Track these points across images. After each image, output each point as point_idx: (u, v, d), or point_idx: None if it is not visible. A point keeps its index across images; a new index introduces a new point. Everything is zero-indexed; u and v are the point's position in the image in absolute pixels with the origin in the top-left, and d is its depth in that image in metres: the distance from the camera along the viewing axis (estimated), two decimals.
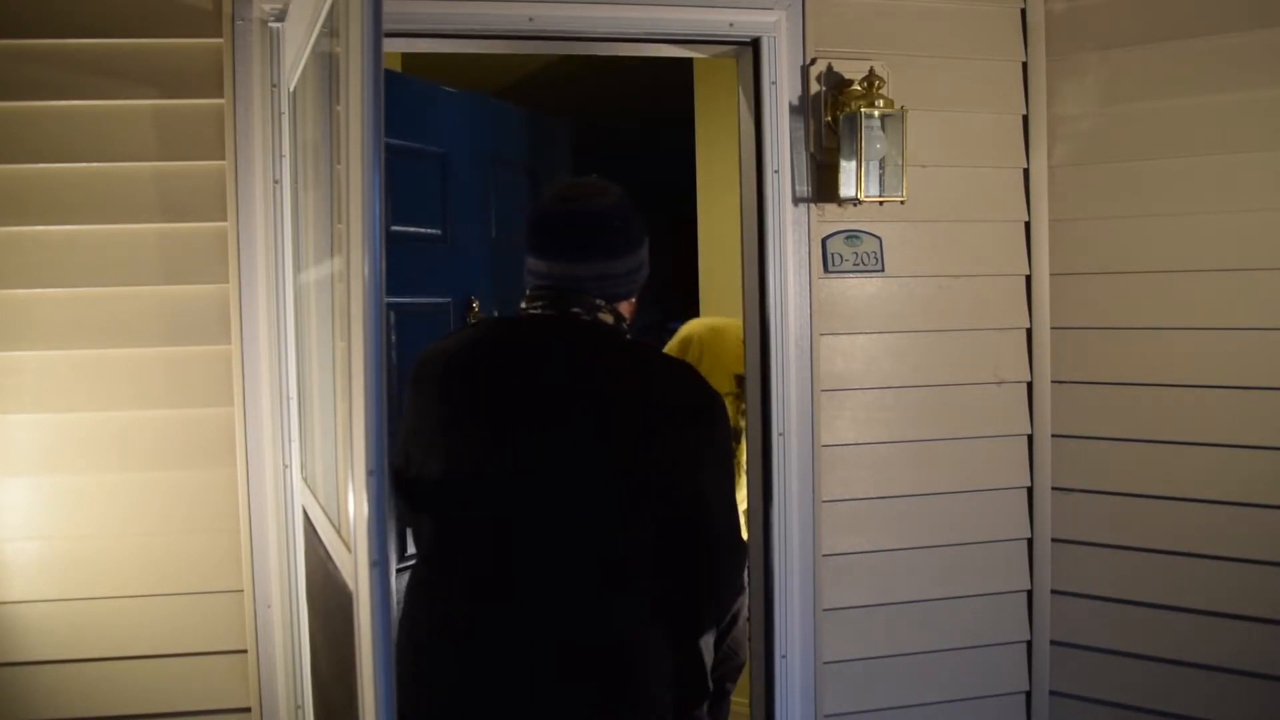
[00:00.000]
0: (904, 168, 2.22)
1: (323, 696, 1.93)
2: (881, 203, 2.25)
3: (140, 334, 2.10)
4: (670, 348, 3.08)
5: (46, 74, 2.05)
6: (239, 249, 2.10)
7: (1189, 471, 2.28)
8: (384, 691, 1.22)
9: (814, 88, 2.30)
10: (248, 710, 2.11)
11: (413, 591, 1.57)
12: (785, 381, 2.29)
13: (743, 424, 2.47)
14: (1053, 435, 2.41)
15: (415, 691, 1.48)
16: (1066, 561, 2.41)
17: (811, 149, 2.30)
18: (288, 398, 2.12)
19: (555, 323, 1.56)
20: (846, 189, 2.21)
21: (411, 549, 1.97)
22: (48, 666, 2.06)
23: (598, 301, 1.56)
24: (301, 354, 2.08)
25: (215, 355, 2.11)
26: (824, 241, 2.32)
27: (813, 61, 2.30)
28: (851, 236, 2.33)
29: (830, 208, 2.31)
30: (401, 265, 2.85)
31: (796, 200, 2.30)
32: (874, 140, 2.19)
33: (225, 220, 2.10)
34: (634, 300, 1.65)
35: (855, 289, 2.35)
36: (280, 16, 2.09)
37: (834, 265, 2.32)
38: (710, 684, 2.52)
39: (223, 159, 2.10)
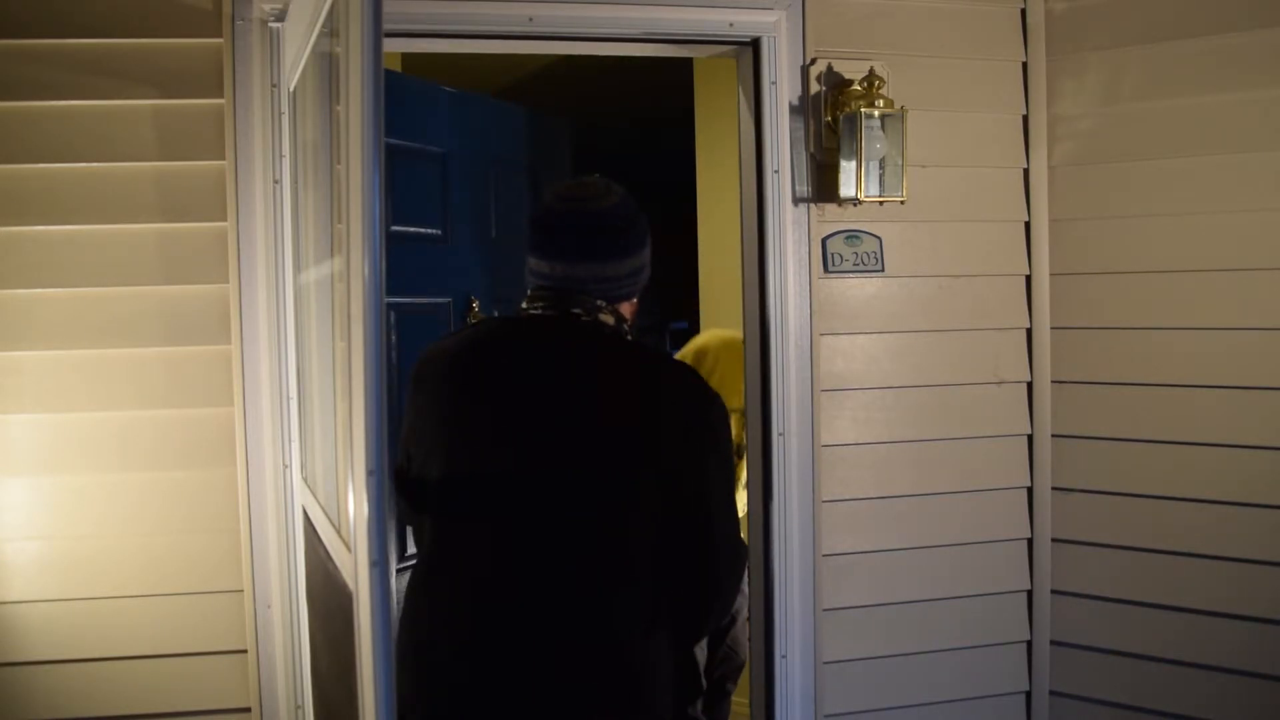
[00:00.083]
0: (904, 168, 2.22)
1: (323, 696, 1.93)
2: (881, 203, 2.25)
3: (140, 334, 2.10)
4: (683, 356, 3.08)
5: (46, 74, 2.05)
6: (239, 249, 2.10)
7: (1189, 471, 2.28)
8: (384, 691, 1.22)
9: (814, 88, 2.30)
10: (248, 710, 2.11)
11: (413, 591, 1.57)
12: (785, 381, 2.29)
13: (744, 440, 2.47)
14: (1053, 435, 2.41)
15: (415, 692, 1.48)
16: (1066, 561, 2.41)
17: (811, 149, 2.30)
18: (288, 398, 2.12)
19: (555, 323, 1.56)
20: (846, 189, 2.21)
21: (412, 549, 1.98)
22: (48, 666, 2.06)
23: (599, 302, 1.56)
24: (301, 354, 2.08)
25: (215, 355, 2.11)
26: (824, 241, 2.32)
27: (813, 61, 2.30)
28: (851, 236, 2.33)
29: (830, 208, 2.31)
30: (401, 265, 2.85)
31: (796, 200, 2.30)
32: (874, 140, 2.19)
33: (225, 220, 2.10)
34: (635, 301, 1.64)
35: (855, 289, 2.35)
36: (280, 16, 2.09)
37: (834, 265, 2.32)
38: (704, 682, 2.52)
39: (223, 159, 2.10)
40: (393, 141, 2.83)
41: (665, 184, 4.95)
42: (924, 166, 2.34)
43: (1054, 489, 2.41)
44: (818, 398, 2.30)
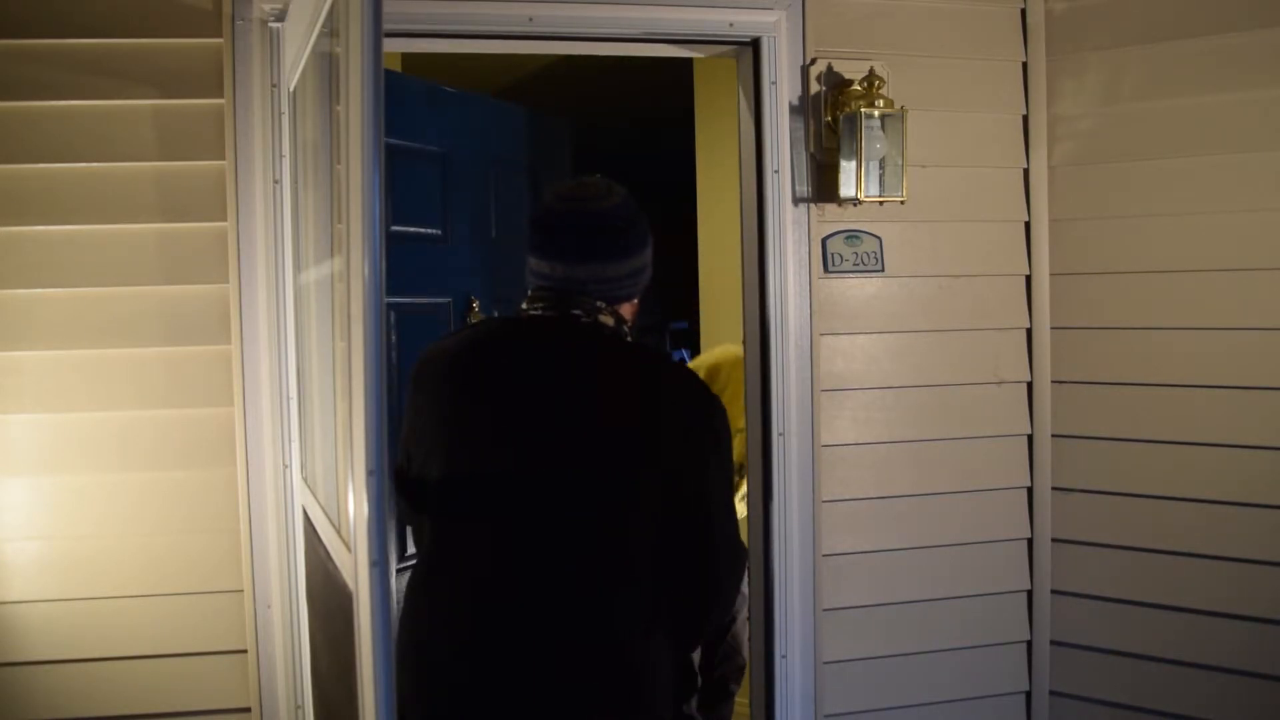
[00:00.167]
0: (904, 168, 2.22)
1: (323, 696, 1.93)
2: (881, 203, 2.25)
3: (140, 334, 2.10)
4: (696, 369, 3.08)
5: (46, 74, 2.05)
6: (239, 249, 2.10)
7: (1189, 471, 2.28)
8: (384, 691, 1.22)
9: (814, 88, 2.30)
10: (248, 710, 2.11)
11: (413, 591, 1.57)
12: (785, 381, 2.29)
13: (745, 458, 2.47)
14: (1053, 435, 2.41)
15: (415, 691, 1.48)
16: (1066, 561, 2.41)
17: (811, 149, 2.30)
18: (288, 398, 2.12)
19: (555, 324, 1.56)
20: (846, 189, 2.21)
21: (412, 549, 1.98)
22: (48, 666, 2.06)
23: (598, 304, 1.56)
24: (301, 354, 2.08)
25: (215, 355, 2.11)
26: (824, 241, 2.32)
27: (813, 61, 2.30)
28: (851, 236, 2.33)
29: (830, 208, 2.31)
30: (401, 265, 2.85)
31: (796, 200, 2.30)
32: (874, 140, 2.19)
33: (225, 220, 2.10)
34: (636, 302, 1.64)
35: (855, 289, 2.35)
36: (280, 16, 2.09)
37: (834, 265, 2.32)
38: (699, 679, 2.52)
39: (223, 159, 2.10)
40: (393, 141, 2.83)
41: (665, 184, 4.95)
42: (924, 166, 2.33)
43: (1054, 489, 2.41)
44: (818, 398, 2.30)
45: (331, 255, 1.63)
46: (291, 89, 2.07)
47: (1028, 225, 2.43)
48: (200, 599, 2.10)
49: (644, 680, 1.49)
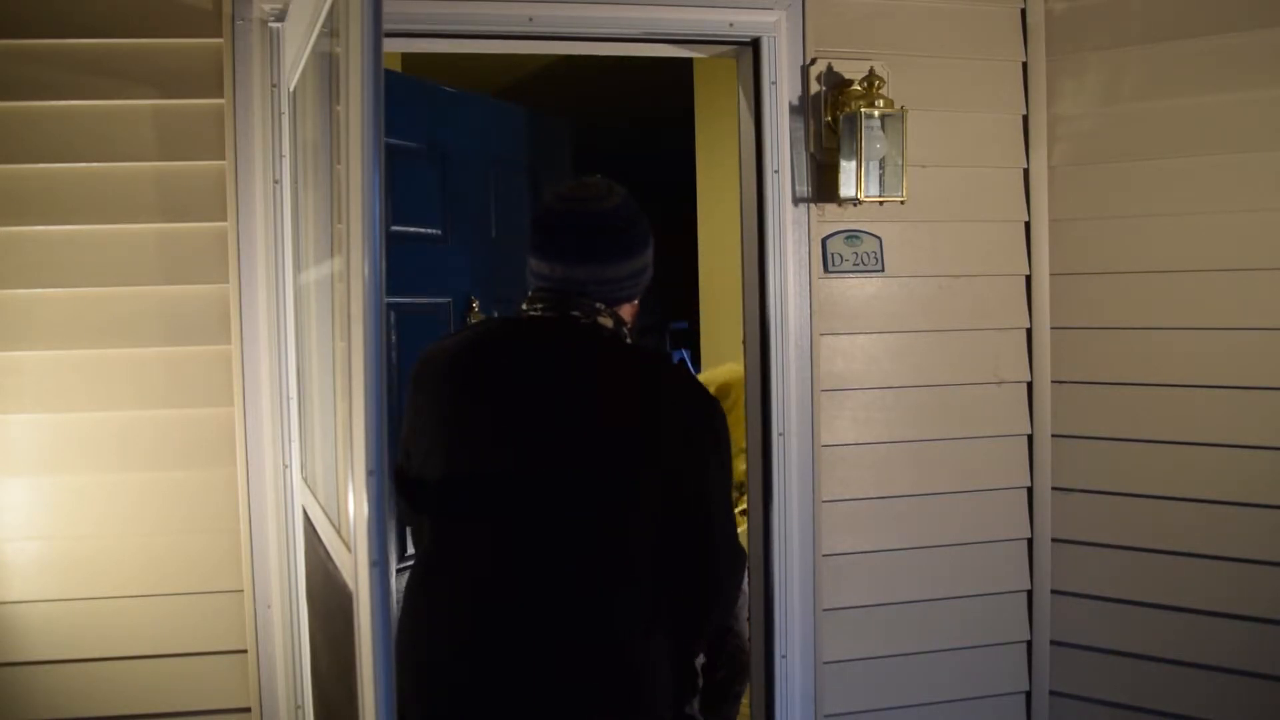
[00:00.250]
0: (904, 168, 2.22)
1: (323, 696, 1.93)
2: (881, 203, 2.25)
3: (140, 334, 2.10)
4: (706, 384, 3.08)
5: (46, 74, 2.05)
6: (239, 249, 2.10)
7: (1189, 471, 2.28)
8: (384, 691, 1.22)
9: (814, 88, 2.30)
10: (248, 710, 2.11)
11: (413, 591, 1.57)
12: (785, 381, 2.29)
13: (743, 469, 2.48)
14: (1053, 435, 2.41)
15: (415, 691, 1.48)
16: (1066, 561, 2.41)
17: (811, 149, 2.30)
18: (288, 398, 2.12)
19: (554, 325, 1.56)
20: (846, 189, 2.21)
21: (412, 549, 1.98)
22: (48, 666, 2.06)
23: (598, 305, 1.56)
24: (301, 354, 2.08)
25: (215, 355, 2.11)
26: (824, 241, 2.32)
27: (813, 61, 2.30)
28: (851, 236, 2.33)
29: (830, 208, 2.31)
30: (401, 265, 2.85)
31: (796, 200, 2.30)
32: (874, 140, 2.19)
33: (225, 220, 2.10)
34: (636, 302, 1.64)
35: (855, 289, 2.35)
36: (280, 16, 2.09)
37: (834, 265, 2.32)
38: (700, 680, 2.52)
39: (223, 159, 2.10)
40: (393, 141, 2.83)
41: (665, 184, 4.95)
42: (924, 166, 2.34)
43: (1054, 489, 2.41)
44: (818, 398, 2.30)
45: (331, 255, 1.63)
46: (291, 89, 2.07)
47: (1028, 225, 2.43)
48: (200, 599, 2.10)
49: (644, 680, 1.49)
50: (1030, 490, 2.43)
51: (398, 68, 3.19)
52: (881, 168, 2.22)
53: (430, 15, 2.17)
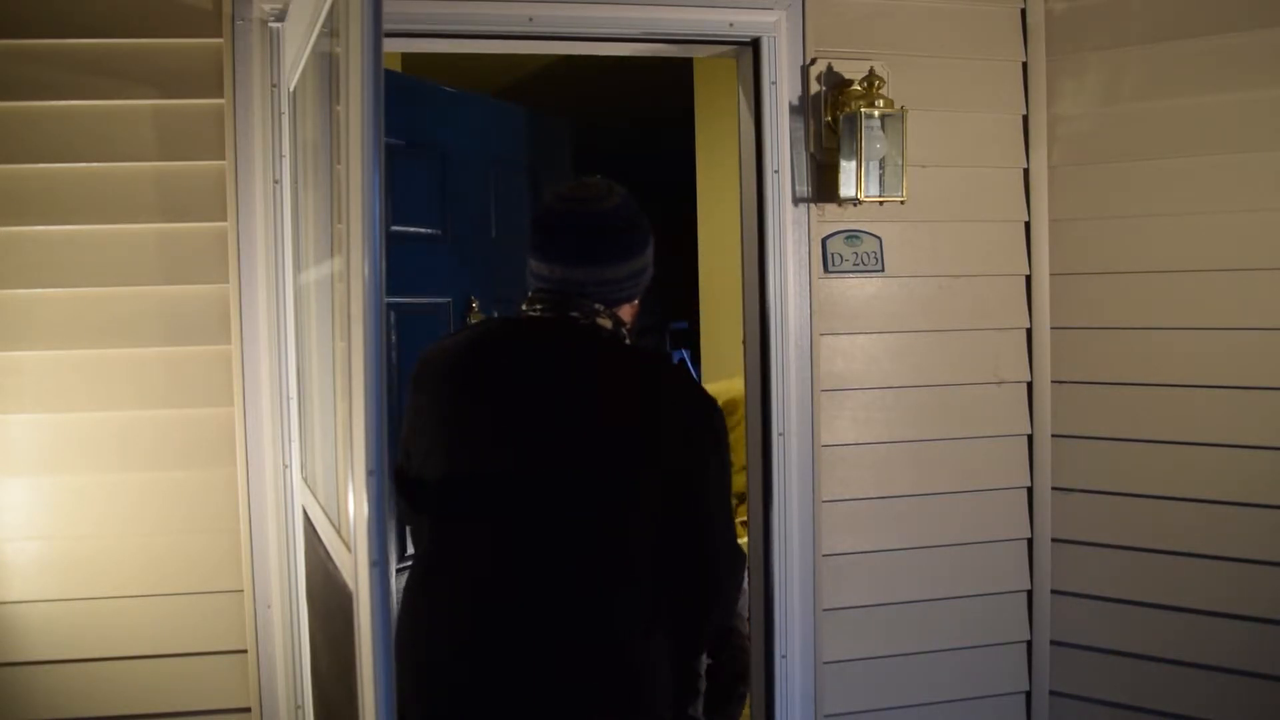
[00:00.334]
0: (904, 168, 2.22)
1: (323, 696, 1.93)
2: (881, 203, 2.25)
3: (140, 334, 2.10)
4: (715, 394, 3.06)
5: (46, 74, 2.05)
6: (239, 249, 2.10)
7: (1189, 471, 2.28)
8: (384, 691, 1.22)
9: (814, 88, 2.30)
10: (248, 710, 2.11)
11: (412, 591, 1.57)
12: (785, 381, 2.29)
13: (743, 483, 2.48)
14: (1053, 435, 2.41)
15: (415, 691, 1.48)
16: (1066, 561, 2.41)
17: (811, 149, 2.30)
18: (288, 398, 2.12)
19: (553, 326, 1.56)
20: (846, 189, 2.21)
21: (412, 549, 1.98)
22: (48, 666, 2.06)
23: (596, 306, 1.56)
24: (301, 354, 2.08)
25: (215, 355, 2.11)
26: (824, 241, 2.32)
27: (813, 61, 2.30)
28: (851, 236, 2.33)
29: (830, 208, 2.31)
30: (401, 265, 2.85)
31: (796, 200, 2.30)
32: (874, 140, 2.19)
33: (225, 220, 2.10)
34: (636, 303, 1.64)
35: (855, 289, 2.35)
36: (280, 16, 2.09)
37: (834, 265, 2.32)
38: (703, 683, 2.52)
39: (223, 159, 2.10)
40: (393, 141, 2.83)
41: (665, 184, 4.95)
42: (924, 166, 2.33)
43: (1054, 489, 2.41)
44: (818, 398, 2.30)
45: (331, 255, 1.63)
46: (291, 89, 2.07)
47: (1028, 225, 2.43)
48: (200, 599, 2.10)
49: (644, 680, 1.49)
50: (1030, 490, 2.43)
51: (398, 68, 3.19)
52: (881, 168, 2.22)
53: (430, 15, 2.17)
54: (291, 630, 2.13)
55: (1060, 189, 2.40)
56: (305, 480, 2.03)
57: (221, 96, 2.09)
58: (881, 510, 2.36)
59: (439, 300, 3.08)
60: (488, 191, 3.28)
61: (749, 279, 2.36)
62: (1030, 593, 2.43)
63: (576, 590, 1.46)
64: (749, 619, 2.44)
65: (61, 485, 2.08)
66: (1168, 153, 2.30)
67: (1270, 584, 2.20)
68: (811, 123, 2.30)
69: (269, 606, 2.11)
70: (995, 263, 2.42)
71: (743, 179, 2.38)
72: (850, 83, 2.27)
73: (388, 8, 1.24)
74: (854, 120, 2.18)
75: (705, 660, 2.55)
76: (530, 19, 2.18)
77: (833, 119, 2.27)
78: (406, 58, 3.19)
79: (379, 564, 1.22)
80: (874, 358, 2.36)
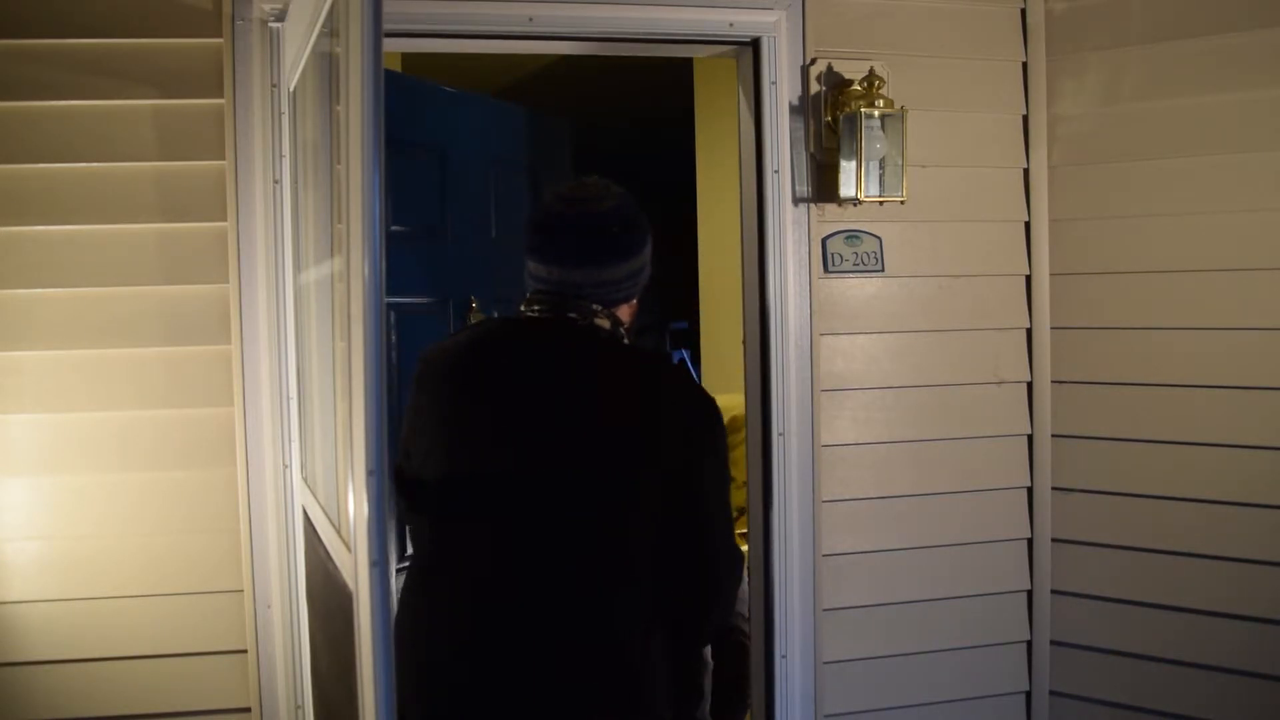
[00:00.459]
0: (904, 168, 2.22)
1: (323, 696, 1.93)
2: (881, 203, 2.25)
3: (140, 334, 2.10)
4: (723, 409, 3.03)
5: (46, 74, 2.05)
6: (239, 249, 2.10)
7: (1189, 471, 2.27)
8: (384, 691, 1.22)
9: (814, 88, 2.30)
10: (248, 710, 2.11)
11: (412, 591, 1.57)
12: (785, 381, 2.29)
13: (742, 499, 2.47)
14: (1053, 435, 2.41)
15: (415, 691, 1.48)
16: (1066, 561, 2.40)
17: (811, 149, 2.30)
18: (288, 398, 2.12)
19: (551, 326, 1.56)
20: (846, 189, 2.21)
21: (411, 549, 1.98)
22: (48, 666, 2.06)
23: (594, 306, 1.56)
24: (301, 354, 2.08)
25: (215, 355, 2.11)
26: (824, 241, 2.32)
27: (813, 61, 2.30)
28: (851, 236, 2.33)
29: (830, 208, 2.31)
30: (401, 265, 2.86)
31: (796, 200, 2.30)
32: (874, 140, 2.19)
33: (225, 220, 2.10)
34: (634, 302, 1.64)
35: (855, 289, 2.35)
36: (280, 16, 2.09)
37: (834, 265, 2.32)
38: (707, 685, 2.51)
39: (223, 159, 2.10)
40: (392, 141, 2.83)
41: (665, 184, 4.95)
42: (924, 166, 2.33)
43: (1054, 489, 2.41)
44: (818, 398, 2.30)
45: (331, 255, 1.63)
46: (291, 89, 2.07)
47: (1028, 225, 2.43)
48: (200, 599, 2.10)
49: (644, 680, 1.49)
50: (1030, 490, 2.43)
51: (398, 68, 3.19)
52: (881, 168, 2.22)
53: (430, 15, 2.17)
54: (291, 630, 2.13)
55: (1060, 189, 2.40)
56: (305, 480, 2.03)
57: (221, 96, 2.09)
58: (881, 510, 2.36)
59: (439, 300, 3.08)
60: (488, 191, 3.28)
61: (749, 279, 2.36)
62: (1030, 593, 2.43)
63: (576, 590, 1.46)
64: (749, 618, 2.44)
65: (61, 485, 2.08)
66: (1168, 153, 2.30)
67: (1270, 584, 2.20)
68: (811, 123, 2.30)
69: (269, 606, 2.11)
70: (995, 263, 2.42)
71: (743, 179, 2.38)
72: (850, 83, 2.27)
73: (388, 8, 1.24)
74: (854, 120, 2.18)
75: (710, 661, 2.55)
76: (530, 19, 2.18)
77: (833, 119, 2.27)
78: (406, 58, 3.20)
79: (379, 564, 1.22)
80: (874, 358, 2.36)
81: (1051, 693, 2.43)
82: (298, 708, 2.13)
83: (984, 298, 2.41)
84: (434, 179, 3.09)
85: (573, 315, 1.55)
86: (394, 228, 2.90)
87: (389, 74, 2.51)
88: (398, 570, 2.55)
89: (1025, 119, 2.42)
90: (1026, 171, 2.42)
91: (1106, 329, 2.36)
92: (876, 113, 2.19)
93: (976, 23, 2.40)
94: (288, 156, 2.11)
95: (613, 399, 1.51)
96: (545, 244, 1.58)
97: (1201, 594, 2.26)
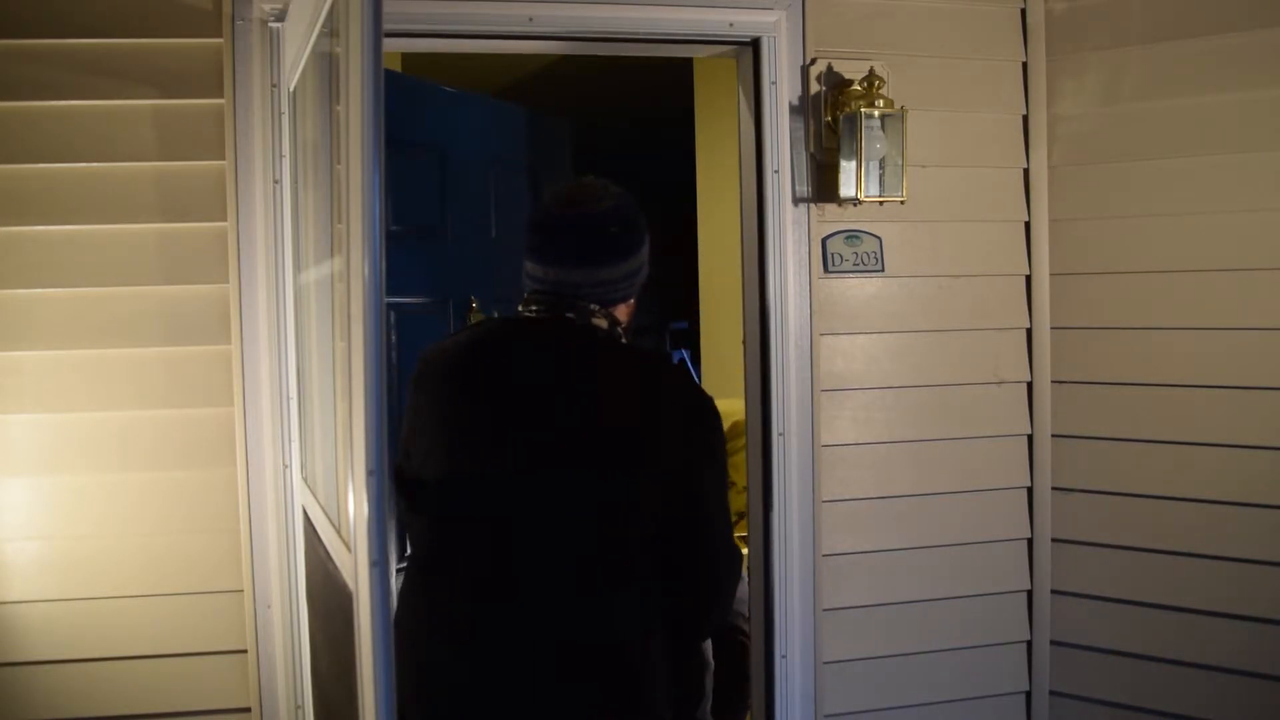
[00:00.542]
0: (904, 168, 2.22)
1: (323, 696, 1.93)
2: (881, 203, 2.25)
3: (140, 334, 2.10)
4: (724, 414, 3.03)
5: (46, 74, 2.05)
6: (239, 249, 2.10)
7: (1189, 471, 2.27)
8: (384, 691, 1.22)
9: (814, 88, 2.30)
10: (248, 710, 2.11)
11: (410, 591, 1.57)
12: (785, 381, 2.29)
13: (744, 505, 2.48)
14: (1053, 435, 2.41)
15: (415, 691, 1.48)
16: (1066, 561, 2.40)
17: (811, 149, 2.30)
18: (288, 398, 2.12)
19: (549, 326, 1.56)
20: (846, 189, 2.21)
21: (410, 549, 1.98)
22: (48, 666, 2.06)
23: (592, 306, 1.56)
24: (301, 354, 2.08)
25: (215, 355, 2.11)
26: (824, 241, 2.32)
27: (813, 61, 2.30)
28: (851, 236, 2.33)
29: (830, 208, 2.31)
30: (401, 265, 2.85)
31: (796, 200, 2.30)
32: (874, 140, 2.19)
33: (225, 220, 2.10)
34: (632, 302, 1.64)
35: (855, 289, 2.35)
36: (280, 16, 2.09)
37: (834, 265, 2.32)
38: (709, 685, 2.51)
39: (223, 159, 2.10)
40: (392, 141, 2.83)
41: (665, 184, 4.95)
42: (924, 166, 2.33)
43: (1054, 489, 2.41)
44: (818, 398, 2.30)
45: (331, 255, 1.63)
46: (291, 89, 2.07)
47: (1028, 225, 2.43)
48: (200, 599, 2.10)
49: (644, 680, 1.49)
50: (1030, 490, 2.43)
51: (398, 68, 3.19)
52: (881, 168, 2.22)
53: (430, 15, 2.17)
54: (291, 630, 2.13)
55: (1060, 189, 2.40)
56: (305, 480, 2.03)
57: (221, 96, 2.09)
58: (881, 510, 2.36)
59: (439, 300, 3.08)
60: (488, 191, 3.28)
61: (749, 279, 2.36)
62: (1030, 593, 2.43)
63: (576, 590, 1.46)
64: (749, 618, 2.44)
65: (61, 485, 2.08)
66: (1168, 153, 2.30)
67: (1270, 584, 2.20)
68: (811, 123, 2.30)
69: (269, 606, 2.11)
70: (995, 263, 2.42)
71: (743, 179, 2.38)
72: (850, 83, 2.27)
73: (388, 8, 1.24)
74: (854, 120, 2.18)
75: (711, 661, 2.55)
76: (530, 19, 2.18)
77: (833, 119, 2.27)
78: (406, 58, 3.20)
79: (379, 564, 1.22)
80: (874, 358, 2.36)
81: (1051, 693, 2.43)
82: (298, 708, 2.14)
83: (984, 298, 2.41)
84: (434, 179, 3.09)
85: (570, 315, 1.55)
86: (394, 227, 2.89)
87: (389, 74, 2.51)
88: (398, 570, 2.55)
89: (1025, 119, 2.42)
90: (1026, 171, 2.42)
91: (1106, 329, 2.36)
92: (876, 113, 2.19)
93: (976, 23, 2.40)
94: (288, 156, 2.11)
95: (613, 399, 1.51)
96: (543, 244, 1.58)
97: (1201, 594, 2.26)
